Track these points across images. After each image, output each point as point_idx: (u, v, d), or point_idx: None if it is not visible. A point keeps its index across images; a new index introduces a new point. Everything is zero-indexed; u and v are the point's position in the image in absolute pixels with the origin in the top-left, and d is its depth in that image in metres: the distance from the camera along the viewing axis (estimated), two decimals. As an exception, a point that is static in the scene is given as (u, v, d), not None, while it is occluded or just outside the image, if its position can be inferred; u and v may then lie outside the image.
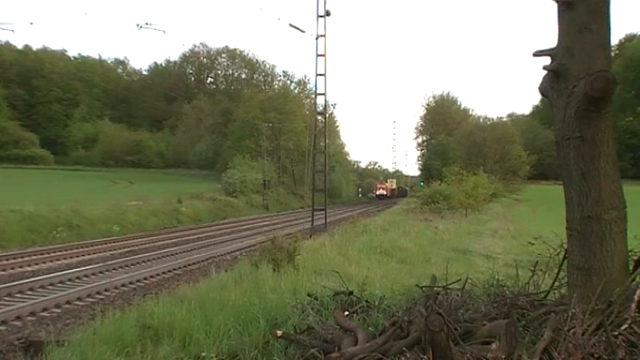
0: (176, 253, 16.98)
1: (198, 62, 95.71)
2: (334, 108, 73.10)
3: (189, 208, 31.79)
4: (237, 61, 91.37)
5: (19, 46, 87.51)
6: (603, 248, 3.65)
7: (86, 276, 12.61)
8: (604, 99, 3.50)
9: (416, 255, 12.01)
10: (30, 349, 6.91)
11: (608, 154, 3.64)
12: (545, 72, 3.90)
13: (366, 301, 5.23)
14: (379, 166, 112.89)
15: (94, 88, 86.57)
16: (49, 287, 11.27)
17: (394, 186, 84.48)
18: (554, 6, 3.84)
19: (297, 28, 25.96)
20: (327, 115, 38.31)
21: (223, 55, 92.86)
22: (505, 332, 3.27)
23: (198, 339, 5.14)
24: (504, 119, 78.60)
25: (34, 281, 11.39)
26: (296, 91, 72.80)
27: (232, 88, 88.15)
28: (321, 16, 24.15)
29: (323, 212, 25.36)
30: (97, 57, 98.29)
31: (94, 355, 4.97)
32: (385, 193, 78.77)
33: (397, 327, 3.97)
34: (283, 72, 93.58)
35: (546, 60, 3.90)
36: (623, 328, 3.35)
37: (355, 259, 10.76)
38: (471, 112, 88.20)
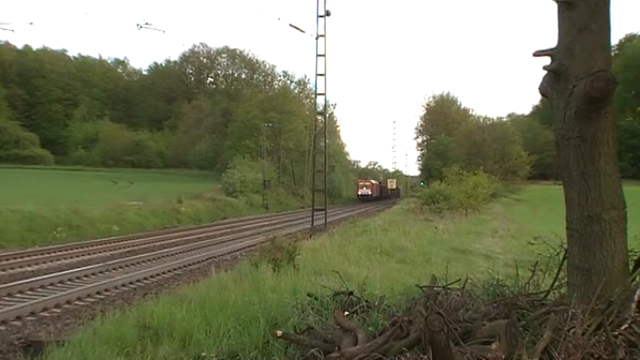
0: (176, 253, 16.98)
1: (198, 62, 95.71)
2: (334, 108, 73.06)
3: (189, 208, 31.79)
4: (237, 61, 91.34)
5: (19, 46, 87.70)
6: (603, 248, 3.64)
7: (86, 276, 12.60)
8: (604, 99, 3.50)
9: (416, 255, 12.00)
10: (30, 349, 6.91)
11: (608, 154, 3.64)
12: (545, 72, 3.90)
13: (366, 301, 5.22)
14: (379, 166, 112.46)
15: (94, 88, 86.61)
16: (49, 287, 11.26)
17: (394, 185, 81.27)
18: (554, 6, 3.84)
19: (297, 28, 26.02)
20: (327, 115, 38.34)
21: (223, 55, 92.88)
22: (505, 332, 3.27)
23: (198, 339, 5.14)
24: (504, 119, 78.81)
25: (34, 281, 11.38)
26: (296, 91, 72.86)
27: (232, 88, 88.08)
28: (321, 16, 24.19)
29: (323, 212, 25.38)
30: (97, 57, 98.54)
31: (94, 355, 4.97)
32: (370, 193, 65.55)
33: (397, 327, 3.96)
34: (283, 72, 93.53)
35: (546, 60, 3.89)
36: (623, 328, 3.34)
37: (355, 259, 10.76)
38: (471, 112, 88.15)
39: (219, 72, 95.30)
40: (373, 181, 70.86)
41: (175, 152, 77.87)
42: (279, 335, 4.35)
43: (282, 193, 52.41)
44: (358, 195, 64.92)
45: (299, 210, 45.17)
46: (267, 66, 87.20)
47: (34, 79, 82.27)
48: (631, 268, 3.86)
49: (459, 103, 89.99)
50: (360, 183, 67.37)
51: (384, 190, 74.77)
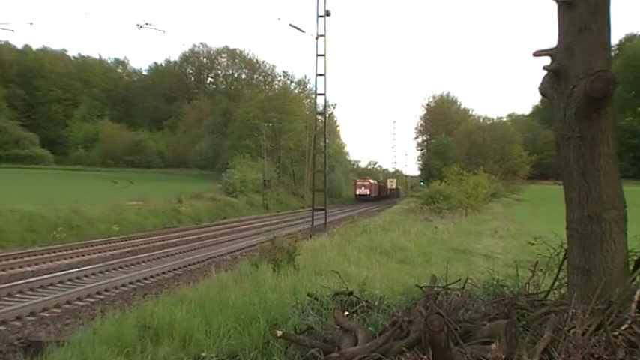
0: (176, 253, 16.98)
1: (198, 62, 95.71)
2: (334, 108, 73.01)
3: (189, 208, 31.79)
4: (237, 61, 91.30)
5: (19, 46, 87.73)
6: (603, 248, 3.64)
7: (86, 276, 12.61)
8: (604, 99, 3.50)
9: (416, 255, 12.00)
10: (30, 349, 6.91)
11: (608, 154, 3.64)
12: (545, 72, 3.90)
13: (366, 301, 5.21)
14: (379, 166, 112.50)
15: (94, 88, 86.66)
16: (49, 287, 11.27)
17: (394, 185, 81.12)
18: (554, 6, 3.84)
19: (297, 28, 26.03)
20: (327, 115, 38.35)
21: (223, 55, 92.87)
22: (505, 332, 3.27)
23: (198, 339, 5.14)
24: (504, 119, 78.77)
25: (34, 281, 11.39)
26: (296, 91, 72.85)
27: (232, 88, 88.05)
28: (321, 16, 24.20)
29: (323, 212, 25.38)
30: (97, 57, 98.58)
31: (93, 355, 4.97)
32: (368, 193, 64.53)
33: (397, 327, 3.96)
34: (283, 72, 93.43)
35: (546, 60, 3.89)
36: (623, 328, 3.34)
37: (355, 259, 10.76)
38: (471, 112, 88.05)
39: (219, 72, 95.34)
40: (372, 181, 69.88)
41: (175, 152, 77.89)
42: (279, 335, 4.34)
43: (282, 193, 52.41)
44: (356, 195, 64.26)
45: (299, 210, 45.16)
46: (267, 66, 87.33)
47: (34, 79, 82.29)
48: (631, 268, 3.86)
49: (459, 103, 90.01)
50: (359, 183, 66.57)
51: (384, 190, 74.20)
